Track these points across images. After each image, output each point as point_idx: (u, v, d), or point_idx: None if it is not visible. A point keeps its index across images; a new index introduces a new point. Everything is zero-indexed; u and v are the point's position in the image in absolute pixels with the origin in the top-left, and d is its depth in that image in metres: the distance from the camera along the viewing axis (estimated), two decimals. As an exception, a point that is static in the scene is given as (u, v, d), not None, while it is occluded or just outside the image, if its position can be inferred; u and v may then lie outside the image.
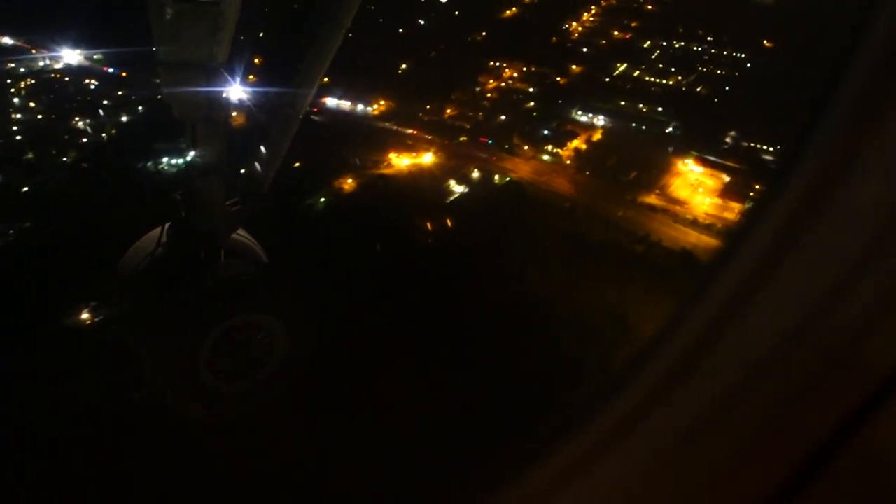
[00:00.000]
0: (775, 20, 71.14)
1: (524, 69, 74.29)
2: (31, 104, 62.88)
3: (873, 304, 1.46)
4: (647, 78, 72.00)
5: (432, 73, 70.50)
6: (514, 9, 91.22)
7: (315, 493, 28.08)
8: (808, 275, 1.55)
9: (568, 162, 57.76)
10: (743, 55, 75.06)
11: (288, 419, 22.71)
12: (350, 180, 53.26)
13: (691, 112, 63.08)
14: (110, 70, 74.60)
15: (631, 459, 1.68)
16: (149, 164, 56.49)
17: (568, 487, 1.71)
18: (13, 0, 67.43)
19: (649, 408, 1.69)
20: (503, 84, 71.61)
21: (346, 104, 65.47)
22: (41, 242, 44.15)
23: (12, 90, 63.76)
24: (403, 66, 73.97)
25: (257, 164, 5.22)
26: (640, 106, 66.16)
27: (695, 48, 78.02)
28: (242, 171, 5.25)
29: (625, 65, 75.11)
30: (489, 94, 69.12)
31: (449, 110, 65.82)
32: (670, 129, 62.41)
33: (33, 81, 65.52)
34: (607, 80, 72.08)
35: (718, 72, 72.56)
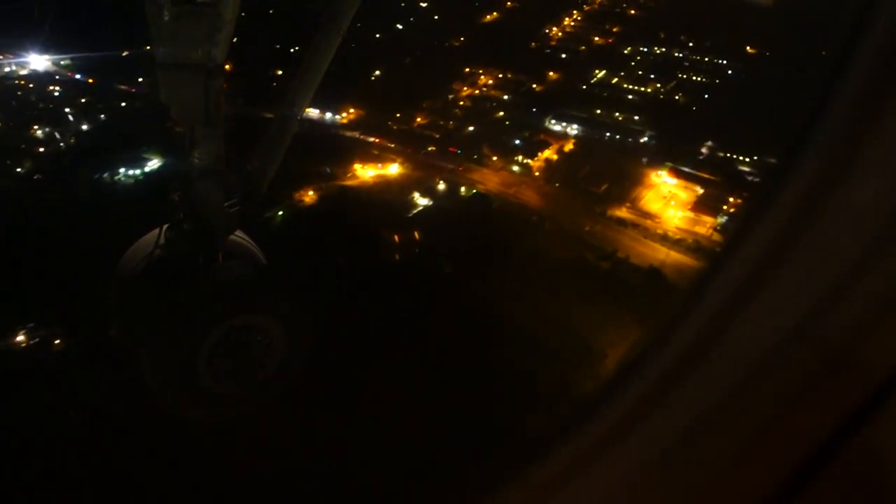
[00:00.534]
0: (761, 25, 69.65)
1: (500, 76, 72.65)
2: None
3: (873, 303, 1.47)
4: (626, 85, 70.39)
5: (405, 80, 68.77)
6: (495, 13, 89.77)
7: (314, 493, 28.05)
8: (808, 275, 1.57)
9: (537, 173, 55.98)
10: (724, 61, 73.51)
11: (286, 419, 22.83)
12: (311, 192, 51.55)
13: (668, 121, 61.48)
14: (77, 76, 73.12)
15: (630, 460, 1.69)
16: (105, 175, 54.72)
17: (567, 488, 1.73)
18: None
19: (648, 408, 1.69)
20: (477, 91, 69.94)
21: (314, 112, 63.72)
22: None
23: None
24: (377, 72, 72.20)
25: (255, 166, 5.21)
26: (617, 114, 64.52)
27: (676, 54, 76.53)
28: (241, 172, 5.18)
29: (603, 71, 73.48)
30: (462, 102, 67.45)
31: (419, 119, 64.08)
32: (645, 138, 60.73)
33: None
34: (584, 87, 70.43)
35: (698, 79, 71.01)
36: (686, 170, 55.32)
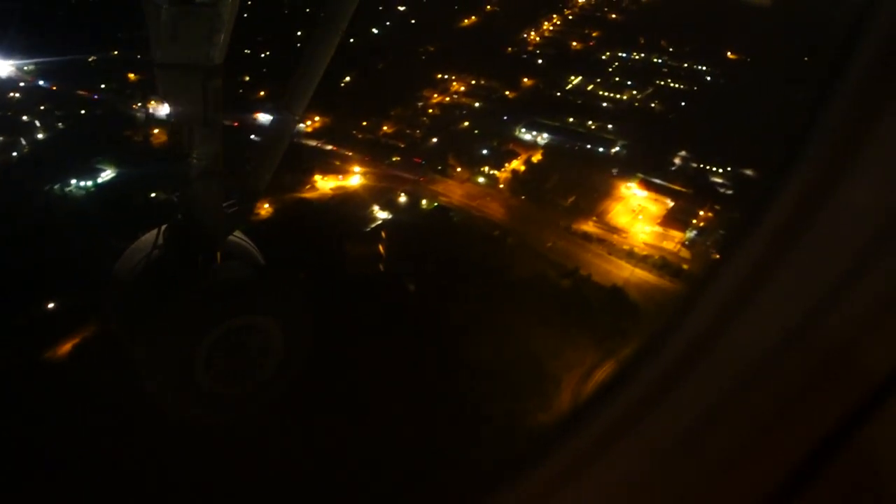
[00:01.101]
0: (744, 30, 67.99)
1: (473, 82, 70.86)
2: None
3: (872, 304, 1.48)
4: (601, 92, 68.63)
5: (375, 87, 66.93)
6: (473, 17, 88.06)
7: (313, 493, 28.21)
8: (808, 275, 1.58)
9: (502, 185, 54.09)
10: (703, 67, 71.78)
11: (285, 420, 23.12)
12: (266, 205, 49.70)
13: (642, 130, 59.66)
14: (41, 82, 71.43)
15: (629, 461, 1.70)
16: (56, 186, 52.89)
17: (567, 488, 1.73)
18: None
19: (648, 408, 1.69)
20: (448, 99, 68.10)
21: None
22: None
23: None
24: (347, 78, 70.32)
25: (253, 166, 5.05)
26: (589, 123, 62.68)
27: (655, 60, 74.80)
28: (239, 173, 5.09)
29: (579, 78, 71.67)
30: (431, 111, 65.57)
31: (386, 128, 62.22)
32: (617, 148, 58.86)
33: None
34: (558, 94, 68.59)
35: (676, 85, 69.23)
36: (657, 181, 53.50)
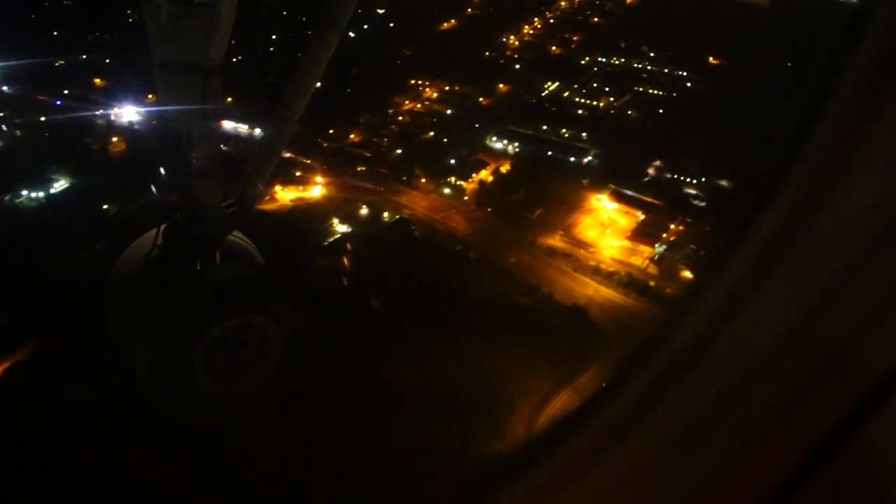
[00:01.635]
0: (727, 35, 66.26)
1: (446, 88, 68.97)
2: None
3: (872, 304, 1.49)
4: (577, 99, 66.73)
5: (346, 94, 65.03)
6: (453, 21, 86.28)
7: (312, 493, 28.09)
8: (808, 274, 1.58)
9: (468, 197, 52.20)
10: (684, 73, 69.95)
11: (284, 420, 23.00)
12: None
13: (617, 138, 57.83)
14: (4, 87, 69.76)
15: (630, 461, 1.69)
16: (7, 197, 51.11)
17: (566, 489, 1.72)
18: None
19: (648, 408, 1.68)
20: (419, 106, 66.20)
21: (243, 128, 60.03)
22: None
23: None
24: (318, 84, 68.36)
25: (252, 167, 5.02)
26: (563, 131, 60.78)
27: (635, 65, 72.94)
28: (238, 173, 5.01)
29: (556, 83, 69.80)
30: (401, 118, 63.69)
31: (353, 136, 60.36)
32: (590, 157, 56.97)
33: None
34: (534, 100, 66.69)
35: (655, 92, 67.36)
36: (629, 193, 51.62)
